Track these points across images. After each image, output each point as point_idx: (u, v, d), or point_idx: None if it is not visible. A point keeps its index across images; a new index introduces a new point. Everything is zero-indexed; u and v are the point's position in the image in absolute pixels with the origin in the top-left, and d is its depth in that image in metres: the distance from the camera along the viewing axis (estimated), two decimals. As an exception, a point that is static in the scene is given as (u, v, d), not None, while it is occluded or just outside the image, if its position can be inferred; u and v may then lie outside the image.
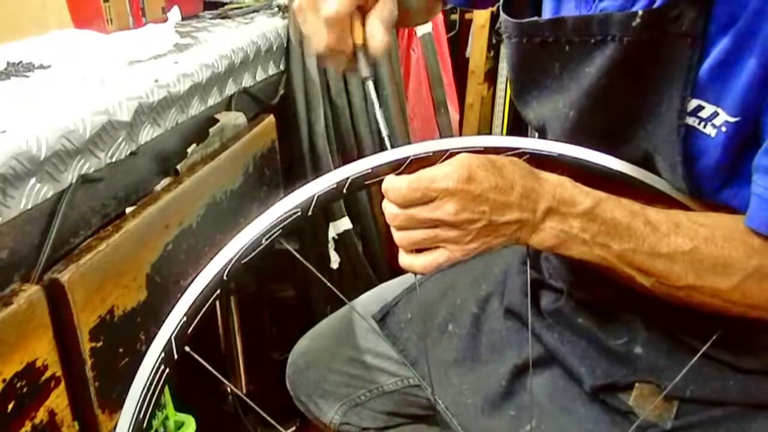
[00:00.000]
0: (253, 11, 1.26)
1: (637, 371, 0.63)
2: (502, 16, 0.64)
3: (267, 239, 0.54)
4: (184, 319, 0.51)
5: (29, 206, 0.57)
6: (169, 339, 0.50)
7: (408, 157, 0.54)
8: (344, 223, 1.27)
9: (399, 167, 0.54)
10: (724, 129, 0.51)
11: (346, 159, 1.27)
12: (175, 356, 0.51)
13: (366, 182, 0.55)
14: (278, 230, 0.54)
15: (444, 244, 0.52)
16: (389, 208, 0.52)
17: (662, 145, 0.55)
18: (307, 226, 1.28)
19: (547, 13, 0.64)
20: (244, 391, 1.32)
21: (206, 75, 0.88)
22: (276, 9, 1.25)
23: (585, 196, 0.52)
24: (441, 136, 1.78)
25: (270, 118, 1.04)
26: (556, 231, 0.52)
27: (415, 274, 0.56)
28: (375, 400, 0.84)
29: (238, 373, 1.30)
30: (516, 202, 0.51)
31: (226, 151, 0.87)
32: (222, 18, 1.23)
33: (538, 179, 0.52)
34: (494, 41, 2.15)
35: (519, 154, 0.57)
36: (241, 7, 1.29)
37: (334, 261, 1.28)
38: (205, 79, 0.87)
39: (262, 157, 1.00)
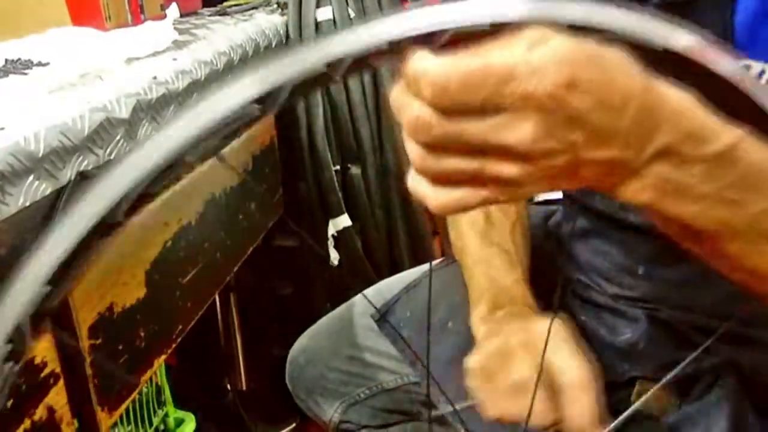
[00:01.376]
0: (252, 8, 1.26)
1: (640, 367, 0.63)
2: None
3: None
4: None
5: (28, 203, 0.57)
6: None
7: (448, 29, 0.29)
8: (344, 221, 1.27)
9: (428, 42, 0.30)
10: None
11: (345, 157, 1.27)
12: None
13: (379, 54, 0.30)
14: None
15: (491, 181, 0.33)
16: (419, 111, 0.31)
17: None
18: (305, 224, 1.28)
19: None
20: (244, 388, 1.32)
21: (205, 72, 0.87)
22: (275, 6, 1.25)
23: (720, 131, 0.33)
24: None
25: (269, 116, 1.04)
26: (663, 180, 0.33)
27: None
28: (374, 397, 0.85)
29: (237, 371, 1.31)
30: (625, 129, 0.32)
31: (225, 149, 0.87)
32: (220, 15, 1.23)
33: (659, 94, 0.32)
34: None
35: None
36: (239, 4, 1.29)
37: (334, 258, 1.28)
38: (203, 76, 0.87)
39: (261, 155, 1.00)
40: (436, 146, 0.32)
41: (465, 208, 0.34)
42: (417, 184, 0.34)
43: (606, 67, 0.31)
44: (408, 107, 0.31)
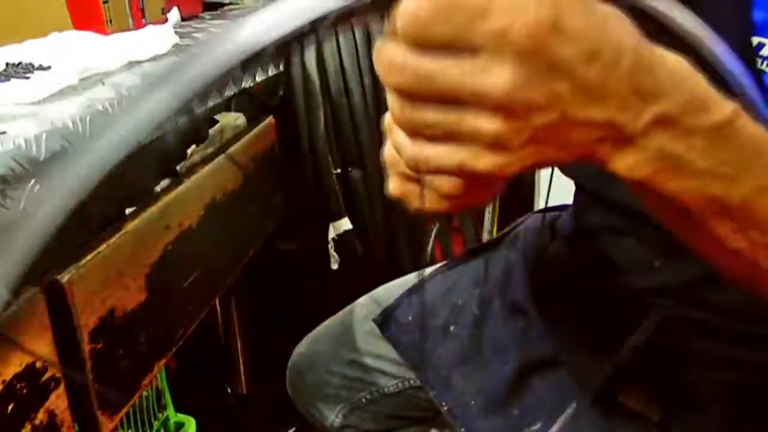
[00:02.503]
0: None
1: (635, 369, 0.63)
2: None
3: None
4: None
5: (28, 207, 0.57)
6: None
7: None
8: (344, 224, 1.27)
9: None
10: None
11: (346, 160, 1.27)
12: None
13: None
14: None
15: (470, 139, 0.29)
16: (392, 50, 0.28)
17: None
18: (306, 227, 1.28)
19: None
20: (245, 392, 1.32)
21: (206, 76, 0.87)
22: (276, 10, 1.25)
23: (721, 103, 0.31)
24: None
25: (270, 119, 1.04)
26: (662, 152, 0.31)
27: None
28: (376, 402, 0.84)
29: (238, 374, 1.30)
30: (617, 88, 0.29)
31: (225, 152, 0.87)
32: (221, 19, 1.23)
33: (656, 55, 0.30)
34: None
35: None
36: (240, 8, 1.29)
37: (334, 262, 1.28)
38: (204, 79, 0.87)
39: (263, 158, 1.00)
40: (411, 93, 0.29)
41: (438, 170, 0.30)
42: (396, 136, 0.32)
43: (597, 15, 0.28)
44: (383, 50, 0.29)
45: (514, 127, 0.28)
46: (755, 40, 0.43)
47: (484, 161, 0.29)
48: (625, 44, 0.28)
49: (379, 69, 0.29)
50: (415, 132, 0.30)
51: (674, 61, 0.31)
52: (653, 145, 0.31)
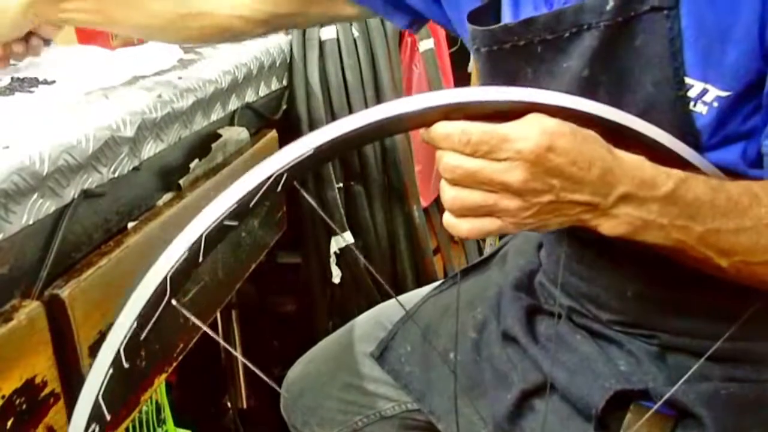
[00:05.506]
0: (257, 27, 1.27)
1: (633, 392, 0.62)
2: (470, 27, 0.62)
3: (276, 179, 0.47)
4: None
5: (31, 221, 0.57)
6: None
7: (463, 102, 0.45)
8: (346, 238, 1.27)
9: (446, 114, 0.46)
10: (716, 104, 0.51)
11: (348, 175, 1.27)
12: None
13: (407, 124, 0.48)
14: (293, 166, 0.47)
15: (500, 213, 0.47)
16: (448, 157, 0.46)
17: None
18: (308, 240, 1.28)
19: (507, 20, 0.64)
20: (245, 406, 1.31)
21: (209, 90, 0.88)
22: (279, 25, 1.26)
23: (666, 178, 0.47)
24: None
25: (273, 133, 1.05)
26: (631, 217, 0.47)
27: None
28: (373, 425, 0.83)
29: (238, 388, 1.30)
30: (591, 181, 0.45)
31: (228, 166, 0.87)
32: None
33: (618, 159, 0.47)
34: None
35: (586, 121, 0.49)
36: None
37: (336, 275, 1.28)
38: (208, 94, 0.88)
39: (265, 172, 1.00)
40: (463, 184, 0.46)
41: (486, 235, 0.49)
42: (450, 220, 0.48)
43: (578, 140, 0.45)
44: (444, 156, 0.46)
45: (525, 205, 0.46)
46: (687, 80, 0.51)
47: (506, 225, 0.47)
48: (596, 156, 0.46)
49: (440, 161, 0.47)
50: (462, 208, 0.47)
51: (629, 157, 0.48)
52: (622, 214, 0.47)
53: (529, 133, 0.44)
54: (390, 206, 1.32)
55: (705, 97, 0.51)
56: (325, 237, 1.27)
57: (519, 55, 0.59)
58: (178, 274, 0.44)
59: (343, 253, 1.27)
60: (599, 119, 0.48)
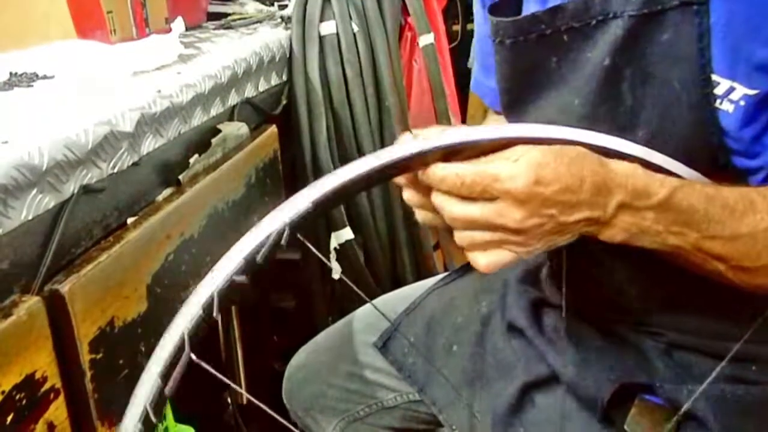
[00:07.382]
0: (256, 22, 1.27)
1: (638, 386, 0.62)
2: (493, 19, 0.62)
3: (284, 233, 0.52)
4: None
5: (30, 217, 0.57)
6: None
7: (460, 143, 0.48)
8: (346, 233, 1.27)
9: (446, 155, 0.49)
10: (742, 103, 0.50)
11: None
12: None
13: (399, 169, 0.50)
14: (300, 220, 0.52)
15: (509, 246, 0.49)
16: (449, 206, 0.49)
17: (679, 128, 0.53)
18: (308, 235, 1.28)
19: (532, 9, 0.63)
20: (245, 401, 1.31)
21: (209, 85, 0.88)
22: (279, 20, 1.26)
23: (659, 186, 0.49)
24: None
25: (272, 129, 1.04)
26: (628, 225, 0.49)
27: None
28: (374, 415, 0.84)
29: (238, 384, 1.30)
30: (586, 200, 0.48)
31: (228, 162, 0.87)
32: (225, 29, 1.24)
33: (609, 170, 0.49)
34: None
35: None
36: (244, 18, 1.29)
37: (336, 271, 1.28)
38: (207, 89, 0.87)
39: (264, 168, 1.00)
40: (468, 228, 0.49)
41: (504, 266, 0.51)
42: (468, 255, 0.51)
43: (564, 164, 0.47)
44: (444, 204, 0.49)
45: (530, 236, 0.49)
46: (714, 77, 0.51)
47: (518, 255, 0.50)
48: (585, 172, 0.47)
49: (442, 210, 0.50)
50: (472, 246, 0.50)
51: (622, 167, 0.49)
52: (620, 222, 0.50)
53: (516, 171, 0.46)
54: (390, 201, 1.31)
55: (731, 95, 0.50)
56: (324, 233, 1.27)
57: (545, 44, 0.59)
58: (195, 330, 0.49)
59: (343, 249, 1.27)
60: (590, 146, 0.50)
